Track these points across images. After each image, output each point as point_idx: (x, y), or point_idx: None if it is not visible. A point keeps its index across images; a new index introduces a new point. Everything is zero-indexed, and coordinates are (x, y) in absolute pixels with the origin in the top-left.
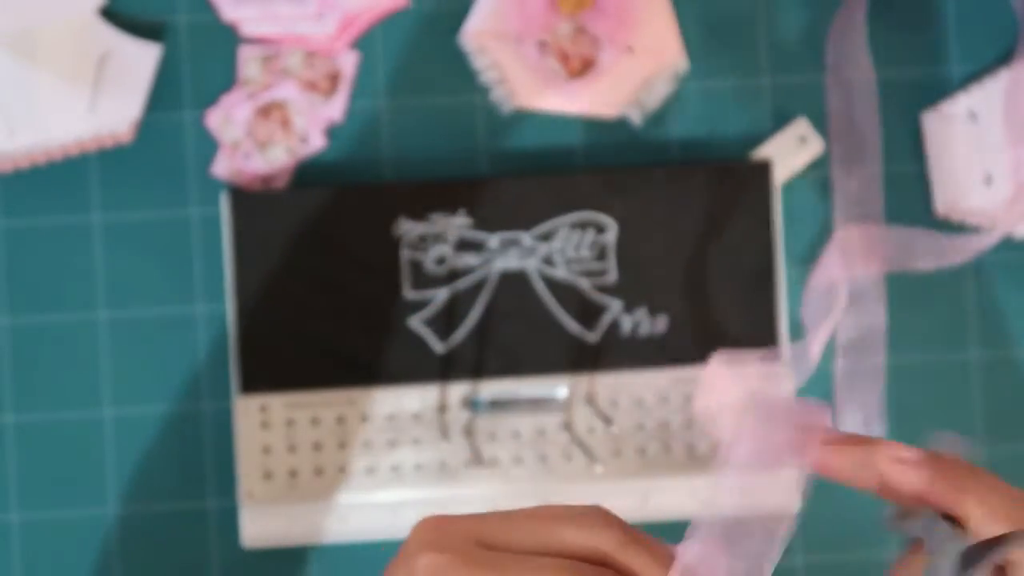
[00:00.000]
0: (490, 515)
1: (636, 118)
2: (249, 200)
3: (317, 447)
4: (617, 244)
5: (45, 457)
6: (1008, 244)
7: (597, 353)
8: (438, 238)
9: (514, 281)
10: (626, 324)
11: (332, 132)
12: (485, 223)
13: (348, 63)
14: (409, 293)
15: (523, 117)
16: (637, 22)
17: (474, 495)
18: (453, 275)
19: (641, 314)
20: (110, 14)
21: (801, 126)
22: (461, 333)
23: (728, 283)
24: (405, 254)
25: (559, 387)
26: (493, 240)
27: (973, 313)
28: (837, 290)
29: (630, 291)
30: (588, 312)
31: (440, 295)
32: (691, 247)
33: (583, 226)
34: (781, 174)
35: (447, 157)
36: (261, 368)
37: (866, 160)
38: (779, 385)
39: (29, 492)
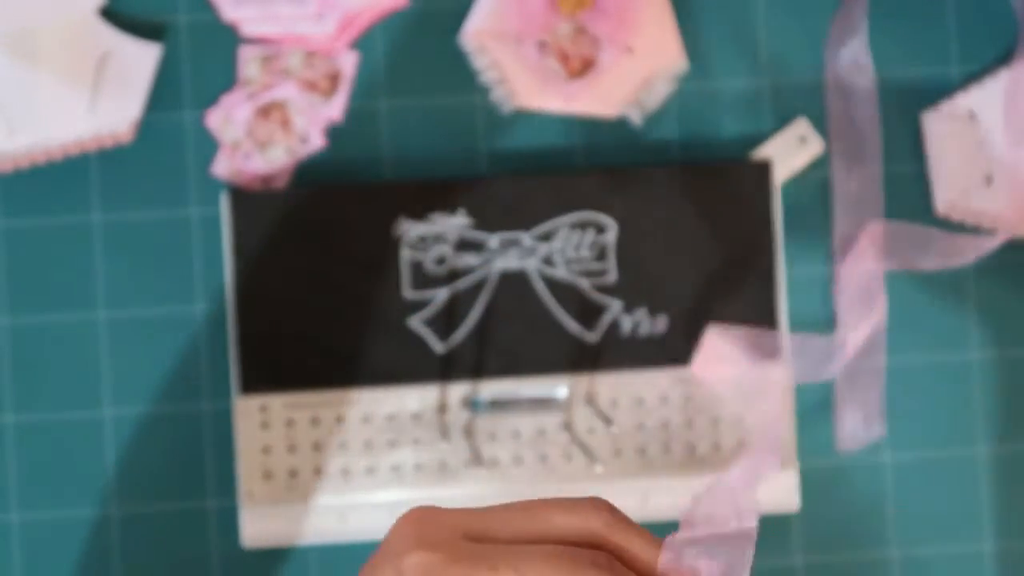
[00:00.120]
0: (478, 509)
1: (636, 118)
2: (249, 200)
3: (317, 447)
4: (617, 244)
5: (45, 457)
6: (1008, 244)
7: (597, 353)
8: (438, 238)
9: (514, 281)
10: (626, 324)
11: (332, 132)
12: (485, 223)
13: (348, 63)
14: (409, 293)
15: (523, 117)
16: (637, 22)
17: (474, 495)
18: (453, 275)
19: (641, 314)
20: (110, 14)
21: (801, 126)
22: (461, 333)
23: (728, 283)
24: (405, 254)
25: (559, 387)
26: (493, 240)
27: (973, 313)
28: (875, 285)
29: (630, 291)
30: (588, 312)
31: (440, 295)
32: (691, 247)
33: (583, 226)
34: (781, 174)
35: (447, 157)
36: (261, 368)
37: (866, 160)
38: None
39: (29, 492)
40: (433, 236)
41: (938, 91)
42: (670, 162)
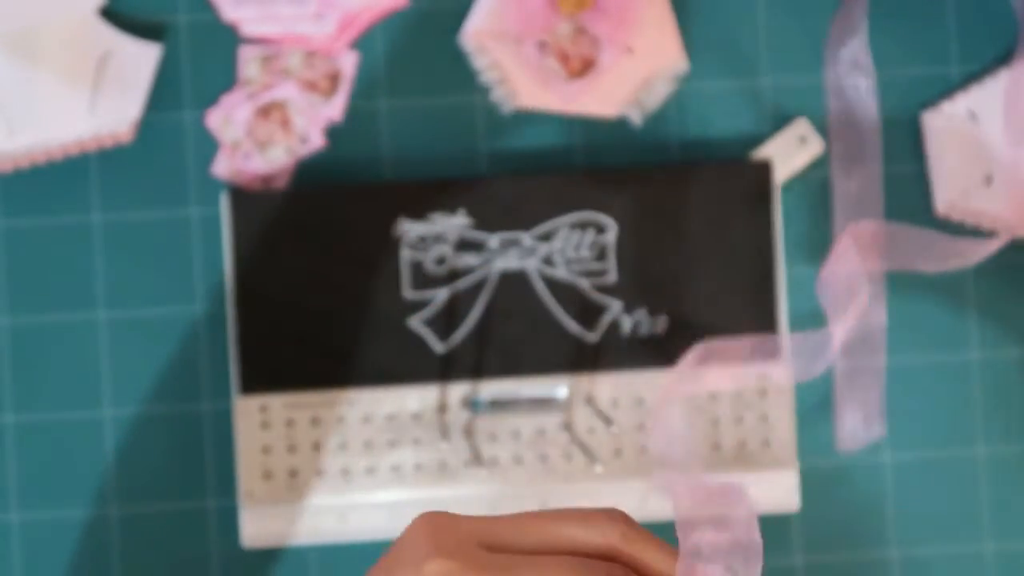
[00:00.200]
0: (494, 517)
1: (636, 118)
2: (249, 200)
3: (317, 447)
4: (617, 244)
5: (45, 457)
6: (1009, 245)
7: (597, 353)
8: (438, 238)
9: (514, 281)
10: (626, 324)
11: (332, 132)
12: (485, 223)
13: (348, 63)
14: (409, 293)
15: (523, 117)
16: (637, 22)
17: (474, 495)
18: (453, 275)
19: (641, 314)
20: (110, 14)
21: (801, 126)
22: (461, 333)
23: (728, 283)
24: (405, 254)
25: (559, 387)
26: (493, 240)
27: (973, 313)
28: (857, 282)
29: (630, 291)
30: (588, 312)
31: (440, 295)
32: (691, 247)
33: (583, 226)
34: (781, 174)
35: (447, 157)
36: (261, 368)
37: (866, 160)
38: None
39: (29, 492)
40: (433, 236)
41: (938, 91)
42: (670, 162)
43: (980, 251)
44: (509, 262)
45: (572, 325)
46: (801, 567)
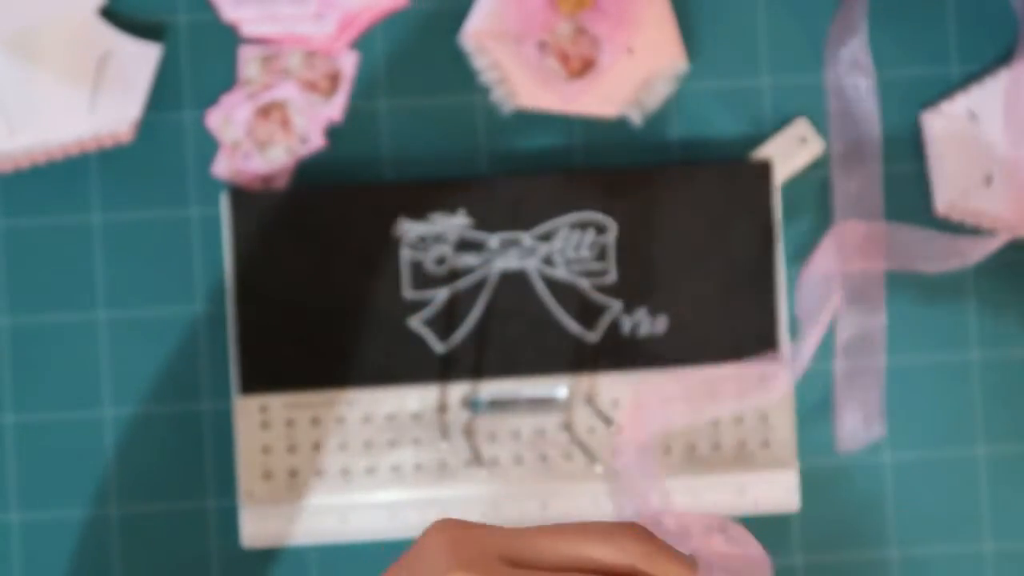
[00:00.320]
0: (513, 530)
1: (636, 118)
2: (249, 200)
3: (317, 447)
4: (617, 244)
5: (45, 457)
6: (1007, 244)
7: (597, 353)
8: (438, 238)
9: (514, 281)
10: (626, 324)
11: (332, 132)
12: (485, 223)
13: (348, 63)
14: (409, 293)
15: (523, 117)
16: (637, 22)
17: (474, 495)
18: (453, 275)
19: (641, 314)
20: (110, 14)
21: (801, 126)
22: (461, 333)
23: (728, 283)
24: (405, 254)
25: (559, 387)
26: (493, 240)
27: (973, 313)
28: (831, 285)
29: (630, 291)
30: (588, 312)
31: (440, 295)
32: (691, 247)
33: (583, 226)
34: (781, 174)
35: (447, 157)
36: (261, 368)
37: (866, 160)
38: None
39: (29, 492)
40: (433, 236)
41: (938, 91)
42: (670, 162)
43: (979, 250)
44: (509, 262)
45: (572, 325)
46: (801, 567)
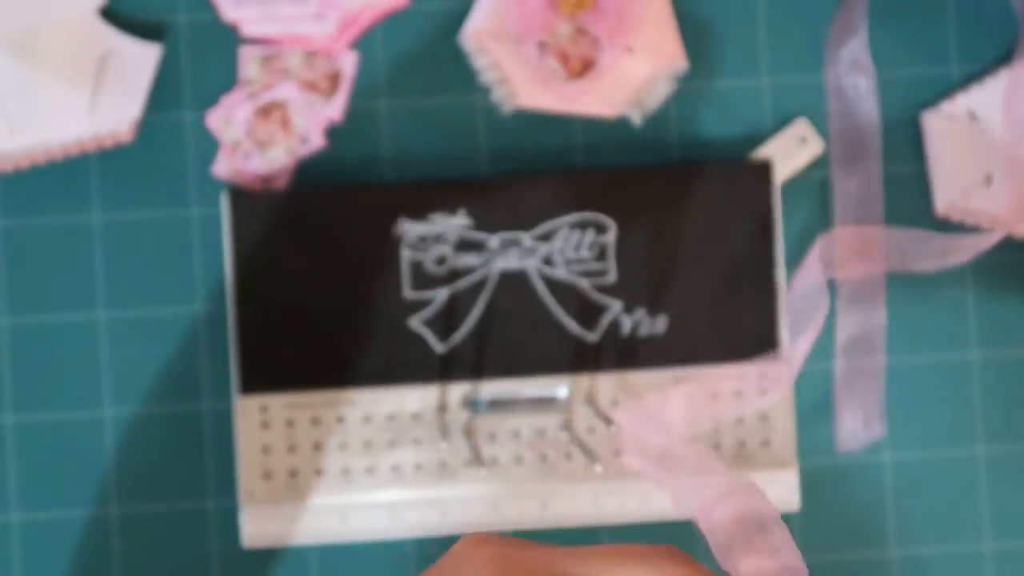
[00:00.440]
0: (553, 550)
1: (636, 118)
2: (249, 200)
3: (317, 447)
4: (617, 244)
5: (45, 457)
6: (1008, 244)
7: (597, 353)
8: (438, 238)
9: (514, 281)
10: (626, 324)
11: (332, 132)
12: (485, 223)
13: (348, 63)
14: (409, 293)
15: (523, 117)
16: (637, 22)
17: (474, 495)
18: (453, 275)
19: (641, 314)
20: (110, 14)
21: (801, 126)
22: (461, 333)
23: (728, 283)
24: (405, 254)
25: (559, 387)
26: (493, 240)
27: (973, 313)
28: (819, 294)
29: (630, 291)
30: (588, 312)
31: (440, 295)
32: (691, 247)
33: (583, 226)
34: (781, 174)
35: (447, 157)
36: (261, 368)
37: (866, 160)
38: (775, 387)
39: (29, 492)
40: (433, 236)
41: (938, 91)
42: (670, 162)
43: (975, 246)
44: (509, 262)
45: (572, 325)
46: None
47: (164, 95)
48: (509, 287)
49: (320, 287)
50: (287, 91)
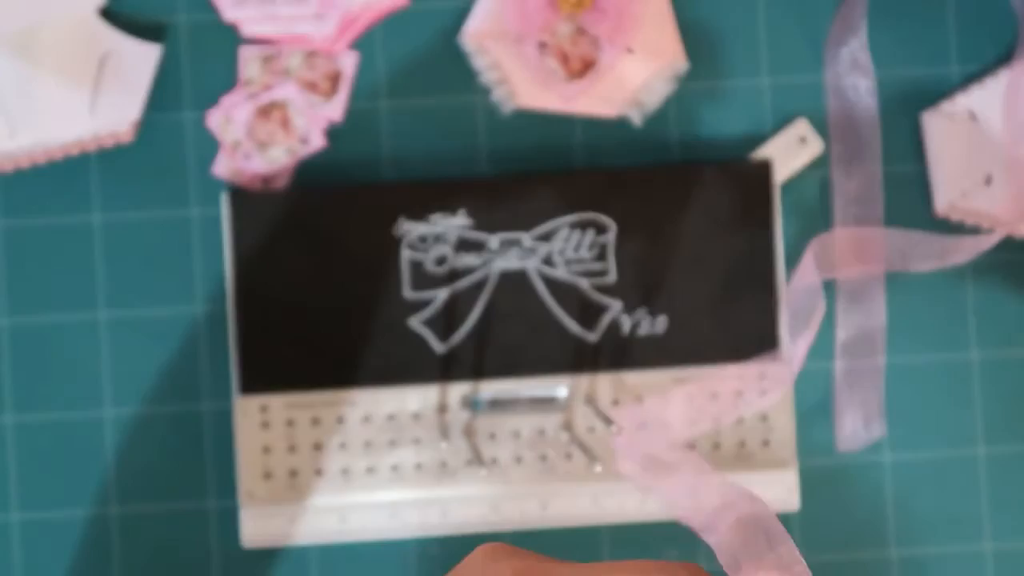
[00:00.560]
0: (574, 567)
1: (636, 118)
2: (249, 200)
3: (317, 447)
4: (617, 244)
5: (45, 457)
6: (1008, 244)
7: (597, 353)
8: (438, 238)
9: (514, 281)
10: (626, 324)
11: (332, 132)
12: (485, 223)
13: (348, 63)
14: (409, 293)
15: (523, 117)
16: (637, 23)
17: (474, 495)
18: (453, 275)
19: (641, 314)
20: (110, 14)
21: (801, 126)
22: (461, 333)
23: (728, 283)
24: (405, 254)
25: (559, 387)
26: (493, 240)
27: (973, 313)
28: (816, 295)
29: (630, 291)
30: (588, 312)
31: (440, 295)
32: (691, 247)
33: (583, 226)
34: (781, 174)
35: (447, 157)
36: (261, 368)
37: (866, 160)
38: (775, 387)
39: (29, 492)
40: (433, 236)
41: (938, 91)
42: (670, 162)
43: (975, 247)
44: (509, 262)
45: (572, 325)
46: None
47: (164, 95)
48: (509, 287)
49: (320, 287)
50: (287, 91)
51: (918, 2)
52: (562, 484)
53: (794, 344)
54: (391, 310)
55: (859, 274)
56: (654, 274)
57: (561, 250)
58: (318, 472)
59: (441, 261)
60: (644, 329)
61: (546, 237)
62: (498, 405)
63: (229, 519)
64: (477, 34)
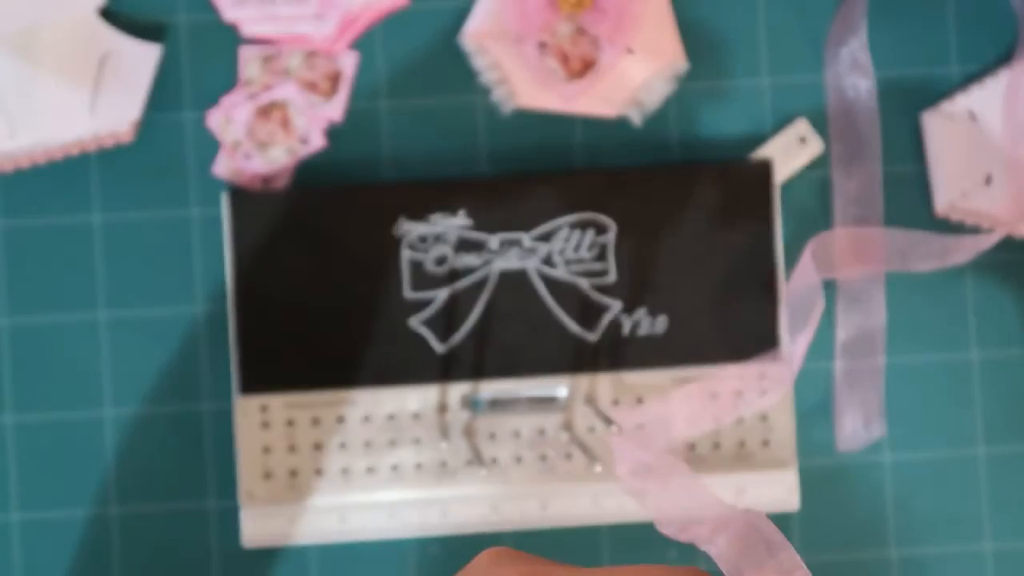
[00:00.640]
0: (580, 571)
1: (636, 118)
2: (249, 200)
3: (317, 447)
4: (617, 244)
5: (45, 457)
6: (1007, 244)
7: (597, 353)
8: (438, 238)
9: (514, 281)
10: (626, 324)
11: (332, 132)
12: (485, 223)
13: (348, 63)
14: (409, 293)
15: (523, 117)
16: (637, 23)
17: (474, 495)
18: (453, 275)
19: (641, 314)
20: (110, 14)
21: (801, 126)
22: (461, 333)
23: (728, 283)
24: (405, 254)
25: (559, 387)
26: (493, 240)
27: (973, 313)
28: (814, 295)
29: (630, 291)
30: (588, 312)
31: (440, 295)
32: (691, 247)
33: (583, 226)
34: (781, 174)
35: (447, 157)
36: (261, 368)
37: (866, 160)
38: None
39: (29, 492)
40: (433, 236)
41: (938, 91)
42: (670, 162)
43: (975, 247)
44: (509, 262)
45: (572, 325)
46: None
47: (164, 95)
48: (509, 287)
49: (320, 287)
50: (287, 91)
51: (918, 2)
52: (562, 484)
53: (793, 343)
54: (391, 310)
55: (859, 274)
56: (654, 274)
57: (561, 250)
58: (318, 472)
59: (441, 261)
60: (644, 329)
61: (546, 237)
62: (498, 405)
63: (229, 519)
64: (477, 34)
